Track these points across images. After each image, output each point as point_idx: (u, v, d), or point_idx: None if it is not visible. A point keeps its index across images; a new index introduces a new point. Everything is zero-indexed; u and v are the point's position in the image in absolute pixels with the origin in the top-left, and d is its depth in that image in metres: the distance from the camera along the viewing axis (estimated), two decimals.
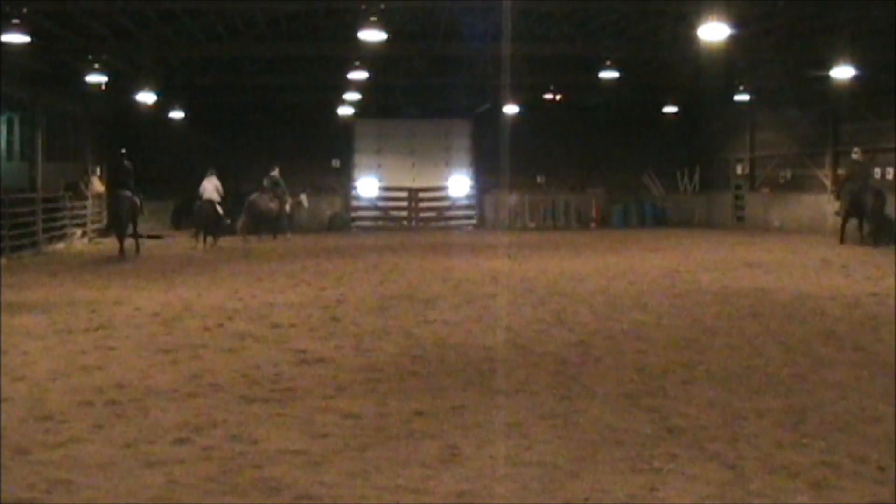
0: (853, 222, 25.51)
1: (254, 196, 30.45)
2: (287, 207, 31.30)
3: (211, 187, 28.01)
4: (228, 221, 29.00)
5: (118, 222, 24.76)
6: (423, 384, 8.86)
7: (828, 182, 30.10)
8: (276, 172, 31.21)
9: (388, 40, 21.11)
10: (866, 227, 25.26)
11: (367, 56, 25.17)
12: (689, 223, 36.81)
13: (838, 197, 26.63)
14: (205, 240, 27.21)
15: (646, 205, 38.02)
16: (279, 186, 31.05)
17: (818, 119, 30.91)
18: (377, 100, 34.98)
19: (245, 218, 30.15)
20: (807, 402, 8.05)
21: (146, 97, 28.98)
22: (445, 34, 25.82)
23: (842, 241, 25.04)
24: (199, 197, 27.92)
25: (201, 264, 21.75)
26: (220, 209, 27.92)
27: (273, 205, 30.53)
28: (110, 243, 29.57)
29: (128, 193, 24.49)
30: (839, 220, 25.94)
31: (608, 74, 26.35)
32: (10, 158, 27.73)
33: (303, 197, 33.27)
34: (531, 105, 33.83)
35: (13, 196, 24.06)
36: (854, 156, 25.93)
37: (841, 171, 28.36)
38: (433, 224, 37.49)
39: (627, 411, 7.75)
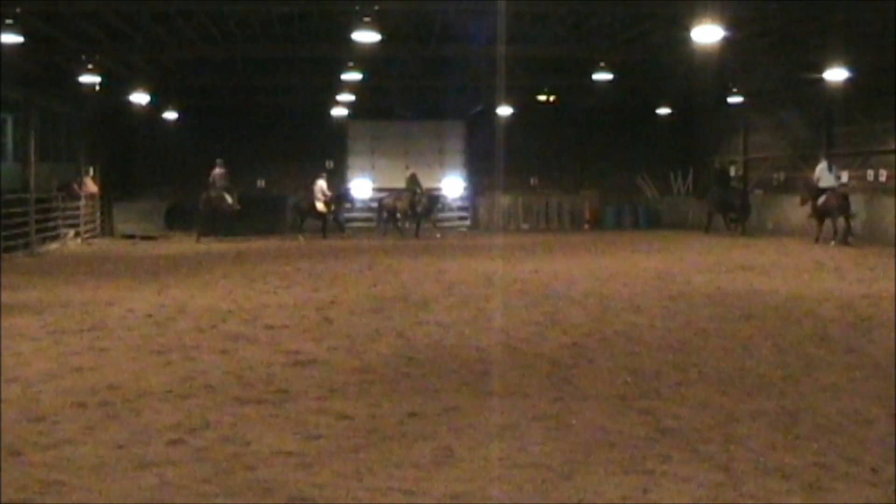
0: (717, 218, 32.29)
1: (384, 195, 33.39)
2: (419, 208, 32.46)
3: (317, 189, 31.61)
4: (332, 218, 32.32)
5: (208, 218, 30.86)
6: (416, 386, 8.86)
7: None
8: (410, 172, 33.02)
9: (381, 42, 21.09)
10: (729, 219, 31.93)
11: (361, 57, 25.13)
12: (683, 225, 36.82)
13: (700, 197, 34.14)
14: (302, 234, 31.19)
15: (639, 207, 38.04)
16: (417, 186, 32.60)
17: (812, 121, 30.95)
18: (371, 101, 34.94)
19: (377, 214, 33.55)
20: (800, 403, 8.06)
21: (140, 98, 28.94)
22: (439, 36, 25.80)
23: (707, 230, 31.88)
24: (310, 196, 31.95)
25: (194, 265, 21.72)
26: (321, 207, 31.58)
27: (399, 204, 32.40)
28: (103, 244, 29.59)
29: (225, 195, 30.79)
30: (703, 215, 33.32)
31: (602, 76, 26.36)
32: (4, 159, 27.68)
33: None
34: (525, 107, 33.82)
35: (6, 196, 24.01)
36: (717, 165, 33.63)
37: (710, 175, 34.47)
38: (426, 225, 37.43)
39: (620, 413, 7.76)
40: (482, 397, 8.40)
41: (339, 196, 33.05)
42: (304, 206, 32.20)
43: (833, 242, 25.60)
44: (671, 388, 8.67)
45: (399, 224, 32.93)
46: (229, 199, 31.27)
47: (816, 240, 26.41)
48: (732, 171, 35.83)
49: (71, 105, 30.78)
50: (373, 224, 35.31)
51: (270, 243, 29.25)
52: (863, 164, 28.43)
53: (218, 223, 31.32)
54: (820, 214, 26.61)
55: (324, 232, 31.87)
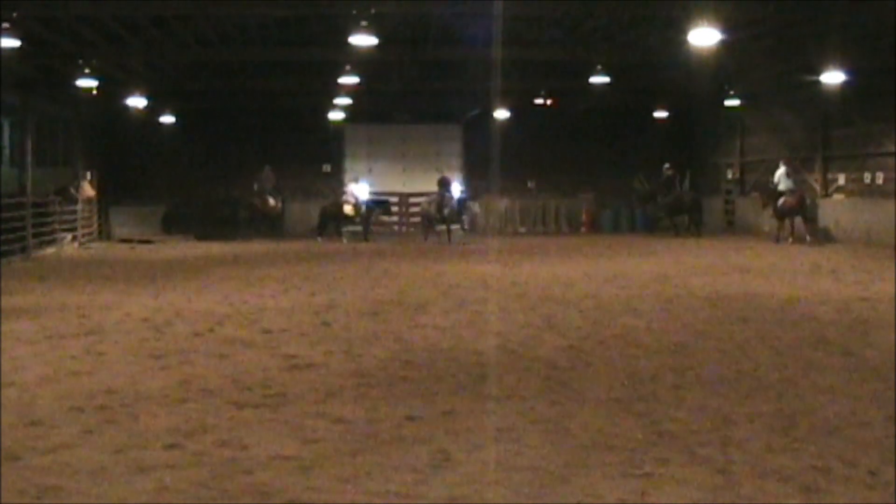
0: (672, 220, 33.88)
1: (423, 200, 33.56)
2: (446, 211, 32.05)
3: (349, 193, 32.47)
4: (358, 221, 32.49)
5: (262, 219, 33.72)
6: (413, 389, 8.86)
7: (818, 187, 30.20)
8: (440, 175, 32.82)
9: (378, 45, 21.11)
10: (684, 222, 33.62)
11: (358, 61, 25.16)
12: (680, 228, 36.80)
13: (645, 203, 35.56)
14: (321, 235, 32.04)
15: (636, 210, 37.99)
16: (445, 190, 32.03)
17: (808, 124, 30.95)
18: (368, 105, 34.90)
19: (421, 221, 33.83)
20: (797, 406, 8.07)
21: (137, 102, 28.96)
22: (436, 39, 25.82)
23: (677, 234, 32.90)
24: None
25: (191, 269, 21.71)
26: (348, 210, 32.07)
27: (431, 208, 32.20)
28: (100, 248, 29.58)
29: (268, 198, 33.35)
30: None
31: (599, 79, 26.37)
32: (1, 163, 27.65)
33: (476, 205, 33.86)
34: (522, 110, 33.83)
35: (3, 201, 23.96)
36: (666, 172, 33.93)
37: (643, 184, 35.85)
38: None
39: (618, 416, 7.76)
40: (479, 401, 8.40)
41: (377, 203, 33.08)
42: (332, 210, 32.61)
43: (791, 240, 28.09)
44: (669, 391, 8.67)
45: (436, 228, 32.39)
46: (272, 202, 33.56)
47: (777, 239, 28.68)
48: (729, 175, 35.96)
49: (68, 109, 30.76)
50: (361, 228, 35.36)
51: (268, 246, 29.24)
52: (860, 167, 28.46)
53: (261, 225, 33.63)
54: (780, 215, 29.05)
55: (364, 234, 32.08)
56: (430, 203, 32.17)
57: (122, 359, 10.44)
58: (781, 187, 29.08)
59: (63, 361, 10.24)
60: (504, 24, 20.65)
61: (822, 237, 28.46)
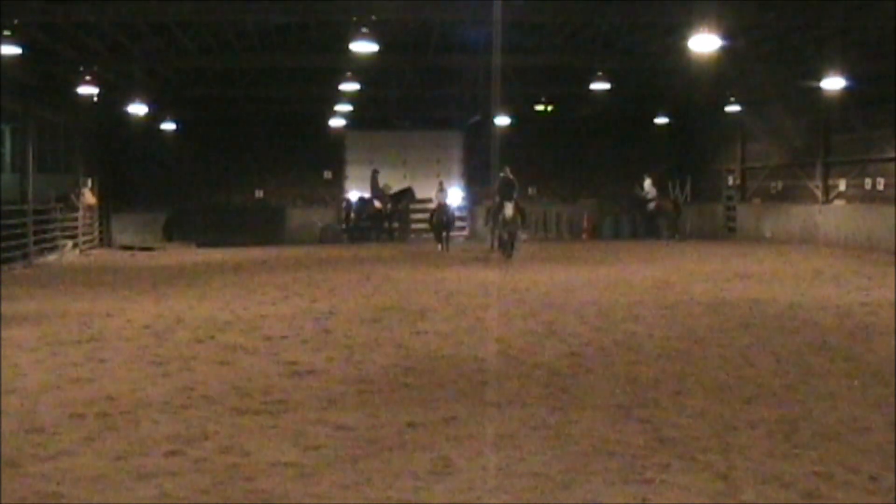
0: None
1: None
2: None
3: (444, 196, 32.28)
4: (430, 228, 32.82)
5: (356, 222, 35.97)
6: (414, 396, 8.85)
7: (819, 193, 30.21)
8: (507, 173, 31.03)
9: (379, 52, 21.15)
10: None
11: (359, 67, 25.21)
12: (681, 234, 36.81)
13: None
14: (445, 241, 30.87)
15: (637, 216, 38.01)
16: (515, 191, 30.12)
17: (809, 130, 30.98)
18: (369, 111, 34.99)
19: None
20: (798, 412, 8.06)
21: (138, 109, 28.98)
22: (437, 46, 25.86)
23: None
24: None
25: (193, 276, 21.72)
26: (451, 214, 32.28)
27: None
28: (101, 255, 29.61)
29: (374, 200, 35.22)
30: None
31: (599, 86, 26.40)
32: (2, 170, 27.67)
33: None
34: (522, 116, 33.88)
35: (4, 208, 23.98)
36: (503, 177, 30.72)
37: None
38: (425, 235, 37.35)
39: (619, 422, 7.75)
40: (481, 407, 8.39)
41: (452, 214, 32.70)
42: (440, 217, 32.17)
43: (676, 237, 33.58)
44: (670, 397, 8.66)
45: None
46: (377, 204, 35.20)
47: (658, 237, 33.92)
48: (730, 181, 36.00)
49: (69, 116, 30.80)
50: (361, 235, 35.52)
51: (269, 253, 29.26)
52: (861, 173, 28.47)
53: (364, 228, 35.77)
54: (653, 218, 34.94)
55: (445, 244, 30.69)
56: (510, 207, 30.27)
57: (123, 366, 10.44)
58: (649, 196, 34.91)
59: (64, 368, 10.24)
60: (504, 30, 20.67)
61: (681, 237, 34.19)
